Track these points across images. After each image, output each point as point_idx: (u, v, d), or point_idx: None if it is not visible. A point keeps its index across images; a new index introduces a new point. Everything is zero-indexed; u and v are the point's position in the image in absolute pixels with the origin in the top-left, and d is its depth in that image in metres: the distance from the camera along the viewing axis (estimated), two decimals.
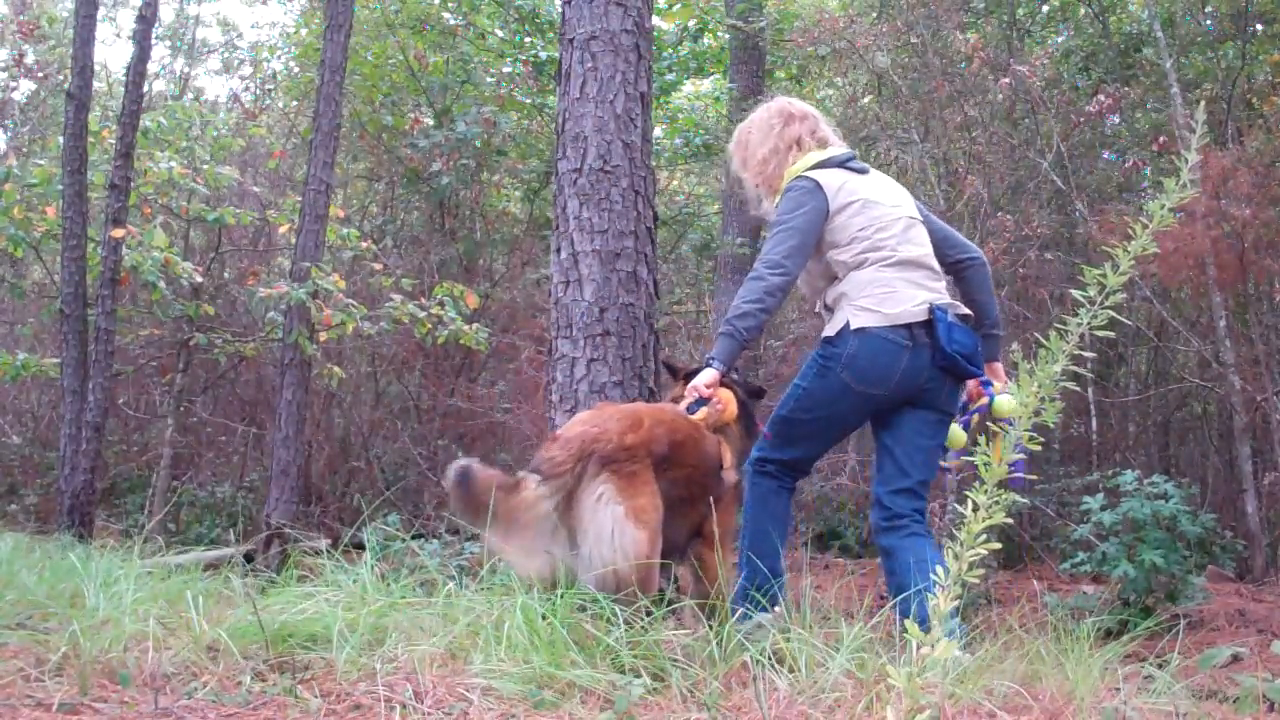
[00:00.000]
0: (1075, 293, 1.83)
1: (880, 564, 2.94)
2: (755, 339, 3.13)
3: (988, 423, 3.03)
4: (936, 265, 3.08)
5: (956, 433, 3.09)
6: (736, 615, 2.70)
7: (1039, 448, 1.81)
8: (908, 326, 2.90)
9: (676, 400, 3.14)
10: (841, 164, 3.15)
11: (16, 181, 6.73)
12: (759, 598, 2.82)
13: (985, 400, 3.13)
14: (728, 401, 3.05)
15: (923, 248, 3.07)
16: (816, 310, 3.16)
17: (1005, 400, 3.03)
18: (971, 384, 3.16)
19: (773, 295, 2.91)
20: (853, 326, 2.90)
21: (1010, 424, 3.12)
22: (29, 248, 6.91)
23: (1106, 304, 1.78)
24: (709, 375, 2.94)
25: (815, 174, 3.07)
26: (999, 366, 3.29)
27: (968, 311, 3.06)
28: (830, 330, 2.99)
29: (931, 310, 2.92)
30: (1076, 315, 1.80)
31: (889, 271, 2.96)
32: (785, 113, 3.25)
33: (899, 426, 3.00)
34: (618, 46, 4.02)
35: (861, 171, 3.16)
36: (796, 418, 3.02)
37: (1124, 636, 2.68)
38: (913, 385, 2.93)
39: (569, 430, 2.82)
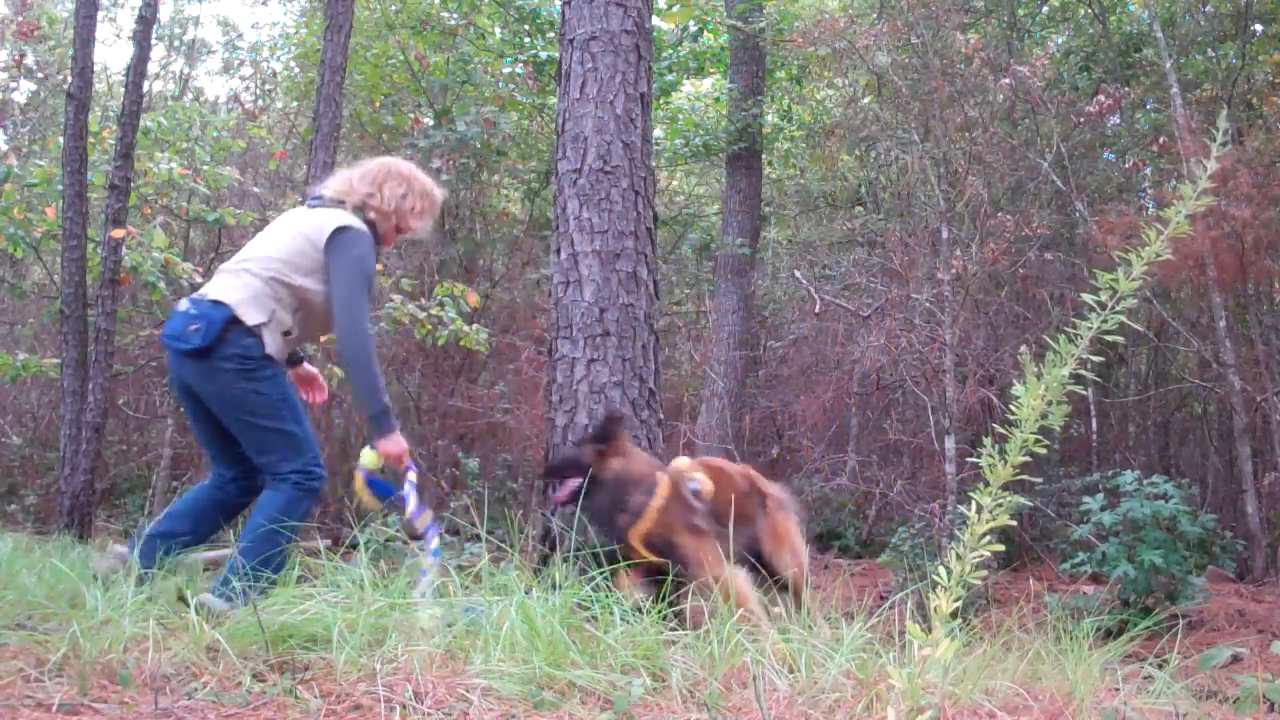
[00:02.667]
0: (1087, 297, 1.82)
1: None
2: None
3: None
4: (242, 265, 3.18)
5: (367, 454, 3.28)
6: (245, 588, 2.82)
7: (1042, 450, 1.80)
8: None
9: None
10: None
11: (16, 181, 6.72)
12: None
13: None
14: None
15: (244, 252, 3.24)
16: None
17: (366, 455, 3.25)
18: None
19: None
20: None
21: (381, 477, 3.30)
22: (29, 248, 6.91)
23: (1118, 310, 1.77)
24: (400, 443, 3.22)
25: None
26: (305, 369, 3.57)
27: (221, 298, 3.10)
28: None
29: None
30: (1085, 319, 1.79)
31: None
32: None
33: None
34: (618, 47, 4.02)
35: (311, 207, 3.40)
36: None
37: (1123, 637, 2.67)
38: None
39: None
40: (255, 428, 3.06)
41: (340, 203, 3.30)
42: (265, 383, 3.06)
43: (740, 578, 3.15)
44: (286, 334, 3.16)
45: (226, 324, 3.03)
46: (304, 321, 3.20)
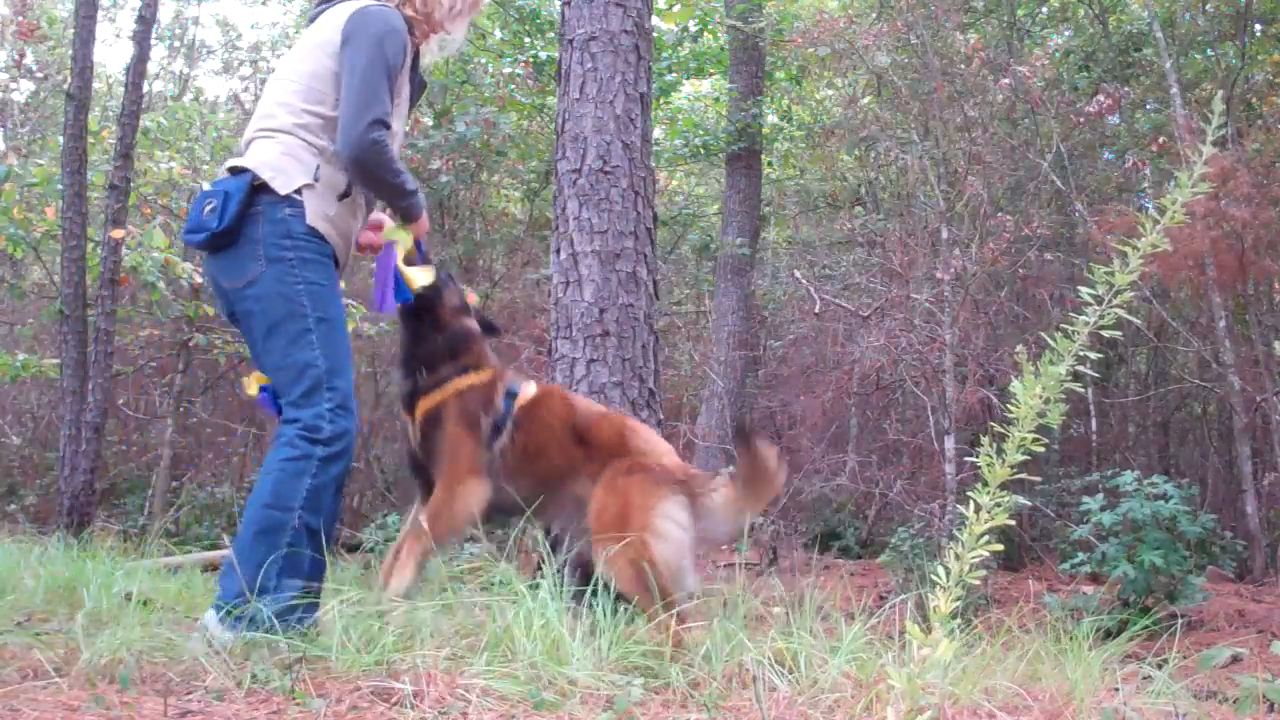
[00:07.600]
0: (1084, 291, 1.81)
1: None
2: None
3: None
4: (264, 122, 2.47)
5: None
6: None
7: (1040, 448, 1.79)
8: None
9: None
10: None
11: (16, 181, 6.73)
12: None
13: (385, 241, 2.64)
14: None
15: (262, 104, 2.55)
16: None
17: (395, 231, 2.60)
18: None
19: None
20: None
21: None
22: (29, 248, 6.91)
23: (1115, 304, 1.77)
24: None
25: None
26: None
27: (243, 163, 2.42)
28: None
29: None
30: (1083, 314, 1.79)
31: None
32: None
33: None
34: (617, 47, 4.02)
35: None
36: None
37: (1123, 636, 2.68)
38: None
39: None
40: (282, 338, 2.30)
41: None
42: (307, 269, 2.31)
43: (475, 498, 2.61)
44: (344, 196, 2.40)
45: (250, 193, 2.32)
46: None
